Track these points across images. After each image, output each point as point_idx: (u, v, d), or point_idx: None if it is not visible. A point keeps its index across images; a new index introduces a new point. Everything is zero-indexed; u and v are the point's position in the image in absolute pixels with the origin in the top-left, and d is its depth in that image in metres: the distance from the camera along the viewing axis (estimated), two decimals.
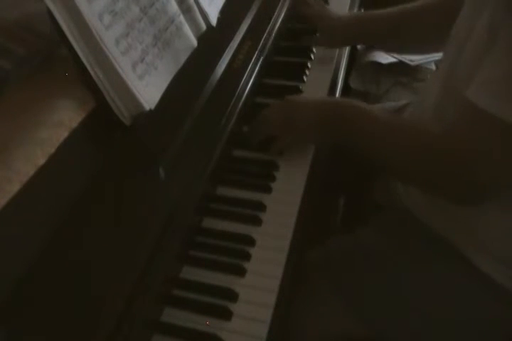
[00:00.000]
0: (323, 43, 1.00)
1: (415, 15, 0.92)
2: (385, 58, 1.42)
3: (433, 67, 1.42)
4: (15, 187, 0.51)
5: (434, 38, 0.88)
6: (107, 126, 0.61)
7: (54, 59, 0.65)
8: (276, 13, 0.96)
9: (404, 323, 0.74)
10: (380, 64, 1.42)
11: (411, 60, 1.41)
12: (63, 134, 0.58)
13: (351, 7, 1.18)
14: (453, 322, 0.72)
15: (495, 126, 0.57)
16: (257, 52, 0.86)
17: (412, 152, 0.67)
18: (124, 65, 0.61)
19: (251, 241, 0.68)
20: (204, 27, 0.78)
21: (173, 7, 0.72)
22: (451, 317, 0.72)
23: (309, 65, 1.00)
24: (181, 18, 0.73)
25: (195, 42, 0.75)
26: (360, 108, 0.74)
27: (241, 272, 0.65)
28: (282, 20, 0.98)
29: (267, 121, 0.79)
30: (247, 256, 0.66)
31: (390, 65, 1.42)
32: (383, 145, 0.71)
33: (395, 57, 1.42)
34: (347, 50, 1.07)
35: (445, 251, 0.73)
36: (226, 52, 0.80)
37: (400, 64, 1.42)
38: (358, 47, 1.72)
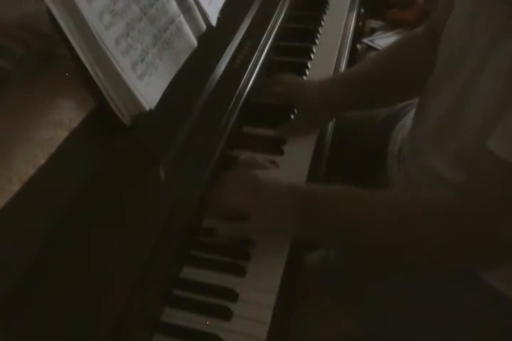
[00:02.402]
0: (305, 126, 0.86)
1: (394, 58, 0.87)
2: None
3: None
4: (15, 187, 0.51)
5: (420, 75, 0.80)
6: (107, 126, 0.61)
7: (54, 59, 0.65)
8: (276, 13, 0.96)
9: (404, 327, 0.74)
10: None
11: None
12: (63, 134, 0.58)
13: (351, 7, 1.19)
14: (452, 329, 0.72)
15: None
16: (257, 52, 0.86)
17: (428, 225, 0.59)
18: (124, 65, 0.61)
19: (251, 241, 0.68)
20: (204, 27, 0.78)
21: (173, 7, 0.72)
22: (451, 323, 0.72)
23: (309, 65, 1.00)
24: (181, 18, 0.73)
25: (195, 42, 0.75)
26: (343, 190, 0.65)
27: (241, 272, 0.65)
28: (282, 20, 0.98)
29: (228, 201, 0.66)
30: (247, 256, 0.66)
31: None
32: (385, 228, 0.62)
33: None
34: (347, 50, 1.07)
35: None
36: (226, 52, 0.80)
37: None
38: (358, 47, 1.73)
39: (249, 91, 0.81)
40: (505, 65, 0.58)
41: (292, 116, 0.88)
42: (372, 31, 1.89)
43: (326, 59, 1.01)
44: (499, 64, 0.59)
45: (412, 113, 0.91)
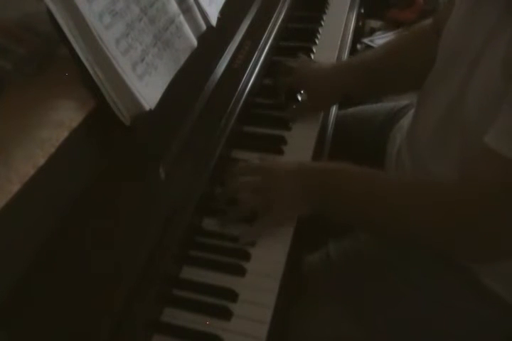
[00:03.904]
0: (311, 108, 0.89)
1: (401, 48, 0.89)
2: None
3: None
4: (15, 187, 0.51)
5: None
6: (107, 126, 0.61)
7: (54, 59, 0.65)
8: (276, 13, 0.96)
9: (404, 328, 0.74)
10: None
11: None
12: (63, 134, 0.58)
13: (351, 7, 1.18)
14: (452, 333, 0.72)
15: None
16: (257, 52, 0.86)
17: (429, 210, 0.61)
18: (124, 65, 0.61)
19: (251, 241, 0.68)
20: (204, 27, 0.78)
21: (173, 7, 0.72)
22: (451, 327, 0.72)
23: None
24: (181, 18, 0.73)
25: (195, 42, 0.75)
26: (350, 170, 0.68)
27: (241, 272, 0.65)
28: (282, 20, 0.98)
29: (240, 201, 0.69)
30: (247, 256, 0.66)
31: None
32: (389, 208, 0.64)
33: None
34: (347, 50, 1.07)
35: (445, 257, 0.72)
36: (226, 52, 0.80)
37: None
38: (358, 47, 1.73)
39: (249, 91, 0.81)
40: (499, 61, 0.58)
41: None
42: (372, 31, 1.89)
43: (326, 59, 1.01)
44: (493, 60, 0.59)
45: (410, 114, 0.91)
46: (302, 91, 0.92)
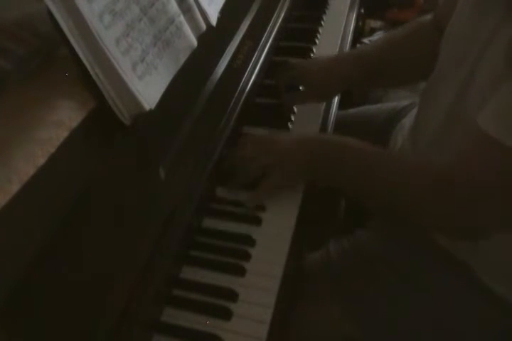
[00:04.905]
0: (312, 99, 0.90)
1: (403, 42, 0.90)
2: None
3: None
4: (15, 187, 0.51)
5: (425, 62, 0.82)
6: (107, 126, 0.61)
7: (54, 59, 0.65)
8: (276, 13, 0.96)
9: (404, 328, 0.74)
10: None
11: None
12: (63, 134, 0.57)
13: (351, 7, 1.19)
14: (452, 332, 0.72)
15: (507, 156, 0.54)
16: (257, 52, 0.86)
17: (419, 187, 0.64)
18: (124, 65, 0.60)
19: (251, 241, 0.68)
20: (204, 27, 0.78)
21: (173, 7, 0.71)
22: (451, 327, 0.72)
23: None
24: (181, 18, 0.73)
25: (195, 42, 0.75)
26: (348, 144, 0.71)
27: (241, 272, 0.65)
28: (282, 20, 0.98)
29: (248, 162, 0.73)
30: (247, 256, 0.66)
31: None
32: (383, 184, 0.67)
33: None
34: (347, 50, 1.07)
35: (445, 257, 0.72)
36: (226, 52, 0.80)
37: None
38: (358, 47, 1.73)
39: (249, 91, 0.81)
40: (501, 59, 0.58)
41: (292, 117, 0.88)
42: (372, 31, 1.89)
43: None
44: (495, 59, 0.59)
45: (411, 113, 0.91)
46: (301, 87, 0.92)
